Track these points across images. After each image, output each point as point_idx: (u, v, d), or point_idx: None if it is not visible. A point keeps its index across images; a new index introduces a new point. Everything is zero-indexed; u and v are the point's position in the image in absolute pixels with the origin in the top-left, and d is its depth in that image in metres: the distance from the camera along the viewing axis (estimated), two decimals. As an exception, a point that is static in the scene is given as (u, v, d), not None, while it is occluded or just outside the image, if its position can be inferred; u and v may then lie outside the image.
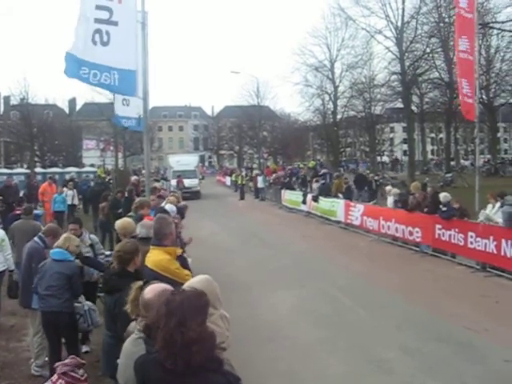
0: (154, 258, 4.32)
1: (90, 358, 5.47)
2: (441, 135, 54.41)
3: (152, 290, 2.85)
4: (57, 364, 3.32)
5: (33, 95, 45.36)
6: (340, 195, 18.81)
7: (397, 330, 7.13)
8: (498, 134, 46.33)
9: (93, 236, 7.12)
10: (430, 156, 58.40)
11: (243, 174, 35.90)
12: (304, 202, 21.20)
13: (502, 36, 31.93)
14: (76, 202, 18.73)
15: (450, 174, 31.09)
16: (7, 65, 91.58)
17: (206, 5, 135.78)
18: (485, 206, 11.07)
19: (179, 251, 4.71)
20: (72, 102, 62.75)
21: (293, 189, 24.91)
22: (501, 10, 29.35)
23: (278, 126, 61.44)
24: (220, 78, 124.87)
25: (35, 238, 6.07)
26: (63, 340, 5.40)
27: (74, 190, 18.68)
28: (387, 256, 12.52)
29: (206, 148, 79.83)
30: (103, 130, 49.51)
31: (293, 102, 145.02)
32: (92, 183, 24.80)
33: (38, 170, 34.53)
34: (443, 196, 11.71)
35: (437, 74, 34.73)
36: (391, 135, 62.95)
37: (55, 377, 3.23)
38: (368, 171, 30.44)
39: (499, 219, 10.16)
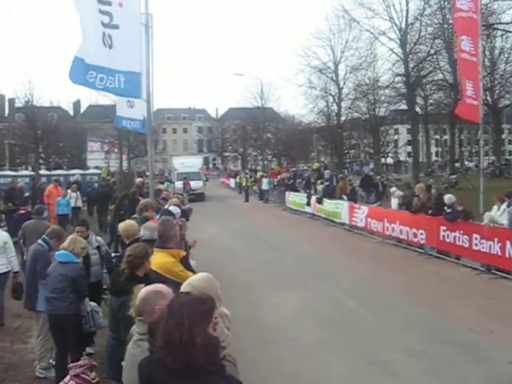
0: (159, 260, 4.33)
1: (94, 360, 5.45)
2: (445, 137, 54.39)
3: (145, 290, 2.90)
4: (71, 365, 3.34)
5: (37, 98, 45.81)
6: (344, 197, 18.81)
7: (401, 332, 7.11)
8: (503, 136, 46.37)
9: (99, 238, 7.17)
10: (434, 158, 58.31)
11: (248, 175, 35.92)
12: (308, 204, 21.21)
13: (507, 37, 31.81)
14: (80, 204, 18.76)
15: (454, 176, 31.05)
16: (12, 67, 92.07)
17: (211, 7, 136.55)
18: (490, 208, 11.04)
19: (183, 253, 4.71)
20: (76, 104, 63.23)
21: (297, 191, 24.92)
22: (505, 11, 29.30)
23: (282, 128, 61.40)
24: (224, 80, 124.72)
25: (39, 241, 6.05)
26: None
27: (78, 193, 18.67)
28: (392, 258, 12.51)
29: (210, 150, 79.99)
30: (108, 132, 49.69)
31: (297, 103, 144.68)
32: (96, 185, 24.88)
33: (43, 172, 34.60)
34: (448, 198, 11.67)
35: (441, 76, 34.58)
36: (395, 137, 62.96)
37: (67, 378, 3.26)
38: (372, 173, 30.36)
39: (504, 221, 10.14)
